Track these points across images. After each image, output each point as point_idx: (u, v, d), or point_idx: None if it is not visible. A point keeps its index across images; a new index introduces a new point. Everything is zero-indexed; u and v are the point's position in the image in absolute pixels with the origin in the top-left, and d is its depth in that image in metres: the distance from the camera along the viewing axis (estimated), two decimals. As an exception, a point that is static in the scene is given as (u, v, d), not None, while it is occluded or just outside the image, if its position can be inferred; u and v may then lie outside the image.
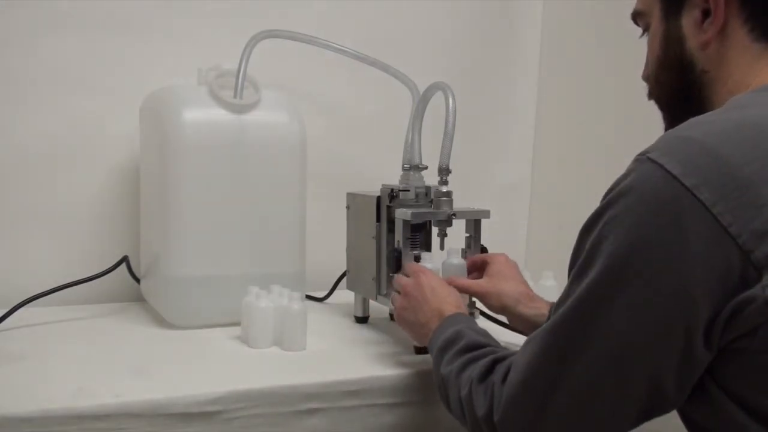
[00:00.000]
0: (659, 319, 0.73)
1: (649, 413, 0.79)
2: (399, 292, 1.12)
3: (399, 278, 1.14)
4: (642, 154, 0.75)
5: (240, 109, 1.31)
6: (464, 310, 1.06)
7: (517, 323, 1.16)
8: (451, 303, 1.06)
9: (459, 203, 1.19)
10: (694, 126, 0.77)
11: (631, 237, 0.73)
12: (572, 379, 0.78)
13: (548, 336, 0.81)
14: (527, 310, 1.13)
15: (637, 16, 0.96)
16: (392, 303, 1.14)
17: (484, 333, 0.99)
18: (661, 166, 0.72)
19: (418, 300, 1.08)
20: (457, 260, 1.22)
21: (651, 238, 0.72)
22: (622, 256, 0.74)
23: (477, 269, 1.22)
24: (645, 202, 0.73)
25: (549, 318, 0.84)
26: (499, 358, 0.89)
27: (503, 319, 1.20)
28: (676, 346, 0.73)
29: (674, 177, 0.71)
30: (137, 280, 1.46)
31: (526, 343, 0.84)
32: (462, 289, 1.15)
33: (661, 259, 0.72)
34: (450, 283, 1.13)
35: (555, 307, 0.83)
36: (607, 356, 0.76)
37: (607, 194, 0.78)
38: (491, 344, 0.95)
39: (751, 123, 0.75)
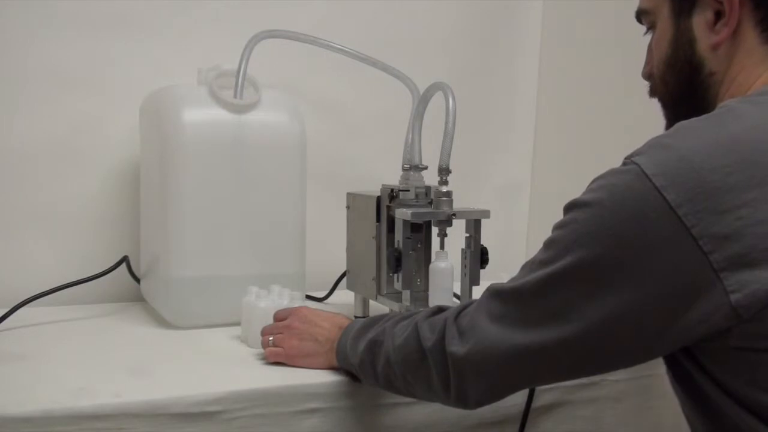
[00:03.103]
0: (623, 304, 0.75)
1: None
2: (273, 338, 1.10)
3: (272, 326, 1.12)
4: (628, 157, 0.78)
5: (240, 109, 1.31)
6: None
7: None
8: (343, 317, 1.09)
9: (459, 203, 1.19)
10: (676, 133, 0.79)
11: (598, 228, 0.76)
12: (532, 345, 0.80)
13: (516, 302, 0.82)
14: None
15: (642, 15, 0.95)
16: (272, 345, 1.10)
17: None
18: (638, 165, 0.75)
19: (307, 327, 1.09)
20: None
21: (616, 229, 0.75)
22: (590, 245, 0.77)
23: None
24: (614, 195, 0.76)
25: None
26: (443, 306, 0.92)
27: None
28: (646, 325, 0.76)
29: (647, 176, 0.74)
30: (137, 280, 1.45)
31: (491, 293, 0.85)
32: None
33: (624, 249, 0.75)
34: None
35: (527, 264, 0.84)
36: (580, 331, 0.78)
37: (590, 184, 0.80)
38: None
39: (729, 133, 0.76)
